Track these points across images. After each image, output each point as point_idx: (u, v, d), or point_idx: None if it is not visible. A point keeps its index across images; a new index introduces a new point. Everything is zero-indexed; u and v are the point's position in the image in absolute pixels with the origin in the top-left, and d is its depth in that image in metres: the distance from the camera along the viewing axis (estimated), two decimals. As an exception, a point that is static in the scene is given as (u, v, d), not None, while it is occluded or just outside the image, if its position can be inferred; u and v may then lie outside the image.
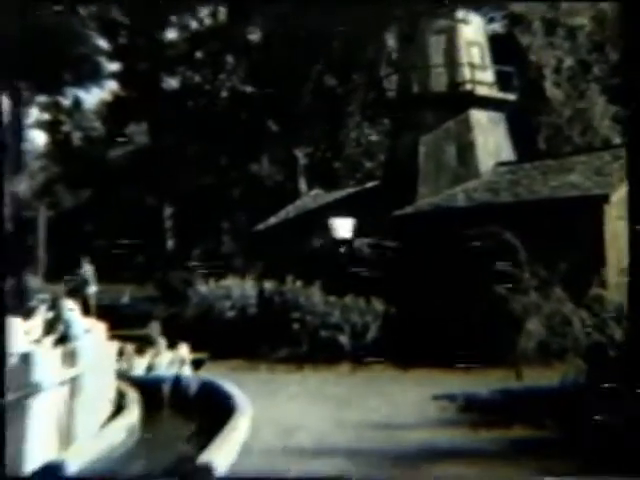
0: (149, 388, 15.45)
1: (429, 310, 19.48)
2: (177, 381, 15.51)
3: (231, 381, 15.54)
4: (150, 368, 16.91)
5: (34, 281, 28.91)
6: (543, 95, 34.64)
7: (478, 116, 25.68)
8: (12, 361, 10.42)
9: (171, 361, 16.79)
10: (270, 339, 19.96)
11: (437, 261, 21.02)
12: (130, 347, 17.84)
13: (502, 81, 26.47)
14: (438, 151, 25.46)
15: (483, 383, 14.74)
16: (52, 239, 37.78)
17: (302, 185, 38.07)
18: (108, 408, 14.03)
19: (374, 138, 40.74)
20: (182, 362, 16.49)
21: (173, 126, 39.48)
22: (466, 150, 25.30)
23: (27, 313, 18.01)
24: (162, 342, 17.69)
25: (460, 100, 25.49)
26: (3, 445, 8.75)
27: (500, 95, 26.29)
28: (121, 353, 17.01)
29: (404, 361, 18.08)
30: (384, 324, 20.09)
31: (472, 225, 19.57)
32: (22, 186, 39.64)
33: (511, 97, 26.48)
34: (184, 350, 17.02)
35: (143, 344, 17.64)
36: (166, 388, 15.29)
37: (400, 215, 23.29)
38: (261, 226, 31.16)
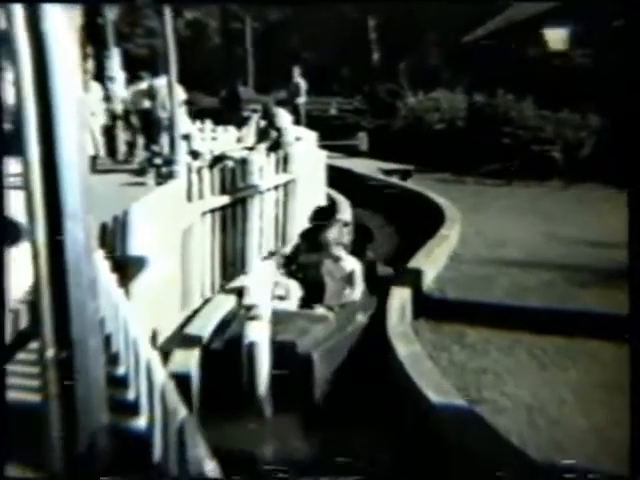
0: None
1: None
2: None
3: (439, 193, 15.54)
4: None
5: (246, 91, 29.56)
6: None
7: None
8: (229, 165, 10.85)
9: None
10: (479, 152, 19.60)
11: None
12: None
13: None
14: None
15: None
16: (260, 52, 38.35)
17: (512, -6, 36.14)
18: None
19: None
20: None
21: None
22: None
23: (241, 122, 18.69)
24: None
25: None
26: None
27: None
28: None
29: (618, 180, 17.35)
30: (600, 141, 19.25)
31: None
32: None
33: None
34: None
35: None
36: None
37: (620, 25, 21.79)
38: (469, 37, 30.09)
